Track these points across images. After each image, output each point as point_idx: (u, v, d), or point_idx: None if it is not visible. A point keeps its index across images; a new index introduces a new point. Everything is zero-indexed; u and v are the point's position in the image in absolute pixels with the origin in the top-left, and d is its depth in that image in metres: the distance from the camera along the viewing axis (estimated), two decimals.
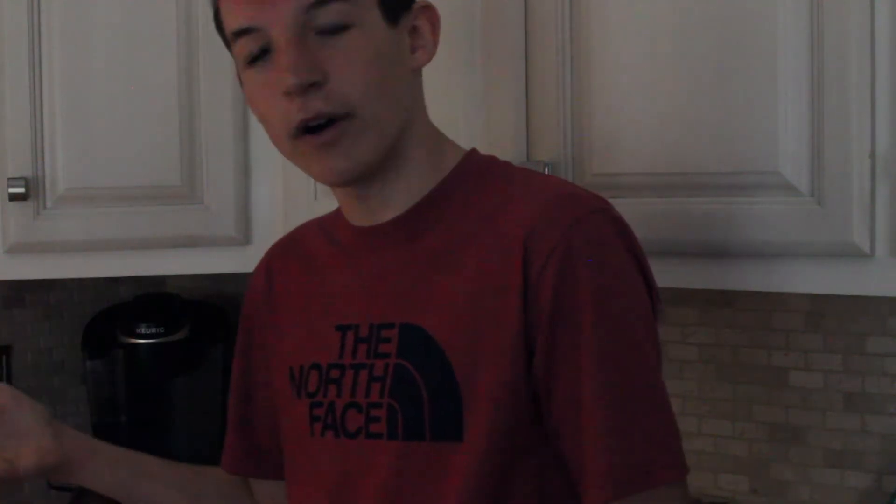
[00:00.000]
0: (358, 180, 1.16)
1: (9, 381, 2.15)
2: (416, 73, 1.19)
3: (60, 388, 2.24)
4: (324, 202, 1.48)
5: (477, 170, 1.20)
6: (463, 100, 1.57)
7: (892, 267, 1.29)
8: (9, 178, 1.74)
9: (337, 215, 1.27)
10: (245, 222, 1.81)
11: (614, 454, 1.07)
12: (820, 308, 1.70)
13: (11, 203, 1.75)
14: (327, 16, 1.10)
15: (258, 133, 1.41)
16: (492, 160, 1.23)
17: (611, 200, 1.46)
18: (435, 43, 1.18)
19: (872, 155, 1.29)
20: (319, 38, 1.11)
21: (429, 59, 1.18)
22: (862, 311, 1.66)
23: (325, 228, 1.28)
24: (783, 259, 1.36)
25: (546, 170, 1.48)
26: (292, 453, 1.26)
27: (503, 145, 1.53)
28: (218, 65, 1.65)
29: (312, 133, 1.12)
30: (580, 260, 1.08)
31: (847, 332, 1.68)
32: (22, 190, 1.74)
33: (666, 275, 1.45)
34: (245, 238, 1.79)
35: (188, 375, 2.16)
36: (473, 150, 1.23)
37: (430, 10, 1.18)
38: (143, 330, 2.10)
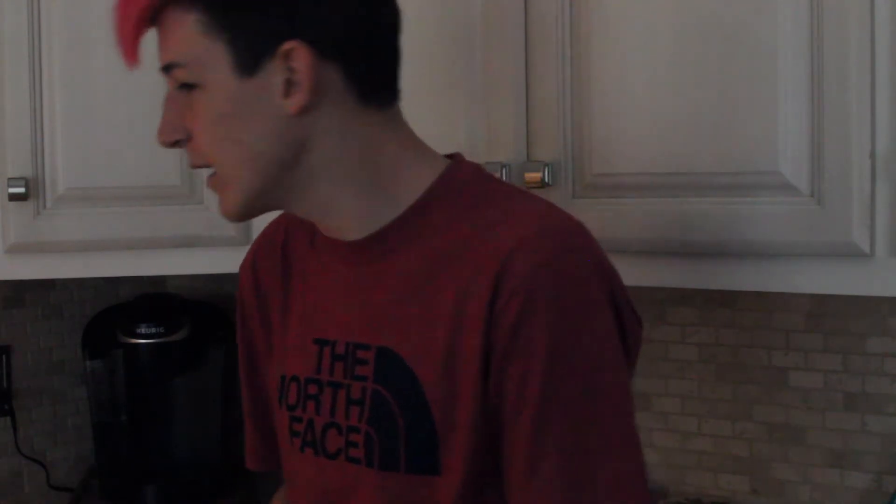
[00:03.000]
0: (253, 216, 1.16)
1: (9, 381, 2.15)
2: (307, 113, 1.09)
3: (60, 388, 2.24)
4: None
5: (457, 187, 1.13)
6: (463, 100, 1.57)
7: (892, 267, 1.29)
8: (9, 178, 1.74)
9: None
10: (245, 222, 1.80)
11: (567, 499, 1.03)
12: (820, 308, 1.70)
13: (11, 203, 1.74)
14: (177, 76, 1.11)
15: None
16: (474, 175, 1.16)
17: (611, 200, 1.47)
18: (309, 83, 1.07)
19: (872, 155, 1.29)
20: (186, 94, 1.11)
21: (306, 100, 1.07)
22: (862, 311, 1.66)
23: (311, 229, 1.22)
24: (783, 259, 1.36)
25: (546, 170, 1.49)
26: (284, 457, 1.25)
27: (503, 145, 1.53)
28: None
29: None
30: (542, 302, 1.03)
31: (847, 332, 1.68)
32: (22, 190, 1.74)
33: (666, 275, 1.45)
34: (245, 238, 1.78)
35: (188, 375, 2.16)
36: (455, 163, 1.16)
37: (300, 50, 1.07)
38: (143, 330, 2.10)
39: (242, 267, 1.33)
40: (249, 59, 1.08)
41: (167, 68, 1.11)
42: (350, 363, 1.13)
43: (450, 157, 1.18)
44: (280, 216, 1.30)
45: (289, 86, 1.08)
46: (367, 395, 1.11)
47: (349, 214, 1.14)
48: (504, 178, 1.51)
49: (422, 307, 1.09)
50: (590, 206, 1.48)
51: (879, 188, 1.29)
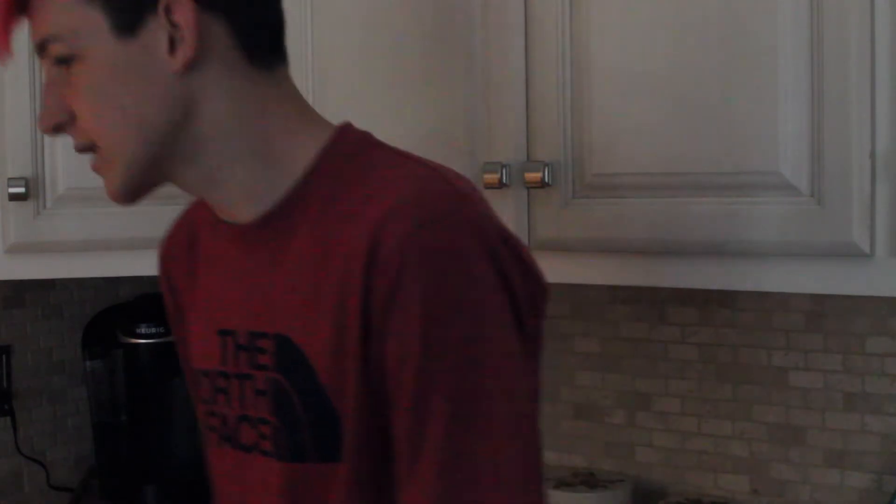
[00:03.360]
0: (140, 198, 1.11)
1: (9, 380, 2.15)
2: (194, 72, 1.05)
3: (60, 388, 2.24)
4: None
5: (342, 157, 1.08)
6: (463, 100, 1.57)
7: (892, 267, 1.29)
8: (9, 178, 1.74)
9: None
10: None
11: (434, 487, 0.97)
12: (820, 308, 1.70)
13: (11, 203, 1.74)
14: (53, 51, 1.06)
15: None
16: (360, 143, 1.10)
17: (611, 200, 1.47)
18: (193, 36, 1.03)
19: (872, 155, 1.29)
20: (65, 71, 1.06)
21: (191, 54, 1.03)
22: (862, 311, 1.66)
23: (213, 213, 1.16)
24: (783, 259, 1.36)
25: (546, 170, 1.48)
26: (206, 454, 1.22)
27: (503, 145, 1.53)
28: None
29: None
30: (412, 275, 0.97)
31: (847, 332, 1.68)
32: (22, 190, 1.74)
33: (666, 275, 1.45)
34: None
35: None
36: (340, 132, 1.10)
37: (181, 3, 1.03)
38: (143, 330, 2.10)
39: (158, 258, 1.29)
40: (128, 19, 1.03)
41: (42, 47, 1.06)
42: (252, 353, 1.09)
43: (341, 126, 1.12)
44: (188, 205, 1.26)
45: (172, 43, 1.03)
46: (270, 385, 1.07)
47: (237, 188, 1.09)
48: (504, 179, 1.50)
49: (311, 289, 1.04)
50: (590, 206, 1.48)
51: (879, 188, 1.29)
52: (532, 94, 1.51)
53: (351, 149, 1.09)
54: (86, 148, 1.09)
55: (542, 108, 1.51)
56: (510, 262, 1.01)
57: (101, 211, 1.78)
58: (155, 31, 1.04)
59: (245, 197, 1.09)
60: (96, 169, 1.10)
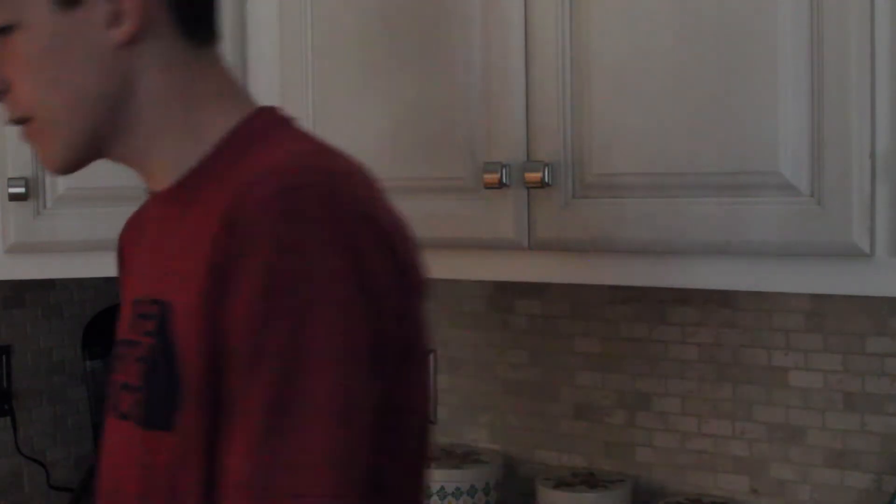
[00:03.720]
0: (77, 170, 1.11)
1: (9, 380, 2.15)
2: (134, 46, 1.06)
3: (60, 388, 2.24)
4: None
5: (247, 134, 1.08)
6: (463, 99, 1.57)
7: (891, 267, 1.29)
8: (9, 178, 1.74)
9: None
10: None
11: (246, 464, 0.94)
12: (820, 308, 1.70)
13: (11, 203, 1.74)
14: None
15: None
16: (271, 124, 1.11)
17: (611, 200, 1.47)
18: (137, 11, 1.05)
19: (872, 155, 1.29)
20: (2, 41, 1.06)
21: (135, 29, 1.05)
22: (862, 311, 1.66)
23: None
24: (783, 259, 1.36)
25: (546, 170, 1.48)
26: None
27: (503, 145, 1.53)
28: None
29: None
30: (255, 246, 0.95)
31: (847, 332, 1.68)
32: (22, 190, 1.74)
33: (666, 275, 1.45)
34: None
35: None
36: (257, 113, 1.11)
37: None
38: None
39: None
40: None
41: None
42: (143, 320, 1.08)
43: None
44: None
45: (115, 16, 1.05)
46: (147, 351, 1.05)
47: (163, 158, 1.10)
48: (504, 179, 1.50)
49: (191, 258, 1.02)
50: (590, 206, 1.48)
51: (879, 188, 1.29)
52: (532, 94, 1.51)
53: (260, 126, 1.10)
54: (20, 120, 1.09)
55: (542, 108, 1.51)
56: (371, 247, 0.98)
57: (101, 211, 1.78)
58: (96, 4, 1.05)
59: (167, 167, 1.10)
60: (30, 137, 1.10)
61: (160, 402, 1.03)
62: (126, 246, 1.27)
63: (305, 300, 0.95)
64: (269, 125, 1.10)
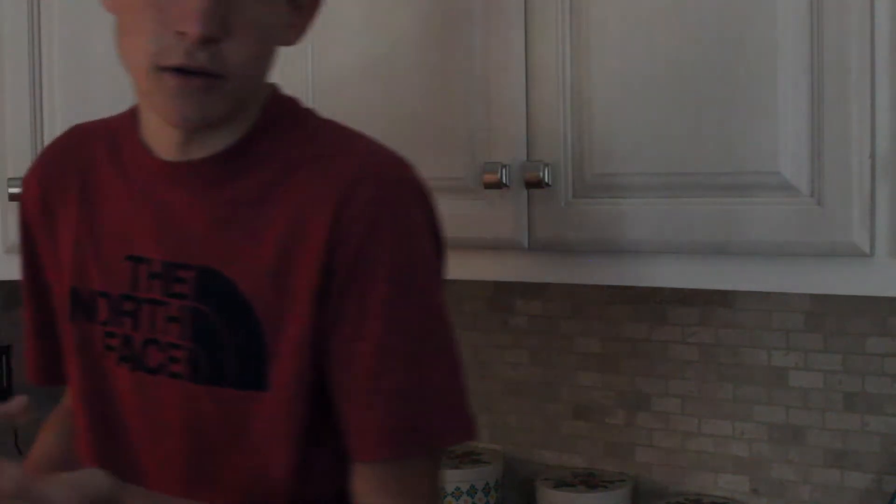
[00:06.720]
0: (198, 129, 1.14)
1: (9, 380, 2.15)
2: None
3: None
4: None
5: (283, 115, 1.19)
6: (463, 99, 1.57)
7: (892, 267, 1.29)
8: (9, 179, 1.74)
9: (131, 135, 1.23)
10: None
11: (393, 414, 1.09)
12: (820, 308, 1.70)
13: (11, 203, 1.74)
14: None
15: None
16: (294, 105, 1.21)
17: (611, 200, 1.47)
18: (306, 27, 1.19)
19: (872, 155, 1.29)
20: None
21: (297, 42, 1.19)
22: (862, 311, 1.66)
23: (112, 144, 1.25)
24: (783, 259, 1.36)
25: (546, 170, 1.48)
26: (77, 369, 1.26)
27: (503, 145, 1.53)
28: None
29: (182, 73, 1.07)
30: (384, 228, 1.09)
31: (847, 332, 1.68)
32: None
33: (666, 275, 1.45)
34: None
35: None
36: (276, 94, 1.20)
37: None
38: None
39: (26, 179, 1.31)
40: None
41: None
42: (168, 282, 1.16)
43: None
44: (73, 128, 1.31)
45: (294, 20, 1.17)
46: (188, 312, 1.14)
47: (232, 124, 1.16)
48: (504, 179, 1.51)
49: (247, 230, 1.13)
50: (590, 206, 1.48)
51: (879, 188, 1.29)
52: (532, 94, 1.51)
53: (287, 107, 1.20)
54: (212, 73, 1.08)
55: (542, 107, 1.51)
56: (438, 222, 1.16)
57: None
58: (292, 5, 1.17)
59: (219, 137, 1.16)
60: (197, 89, 1.08)
61: (220, 361, 1.13)
62: (57, 193, 1.27)
63: (426, 280, 1.13)
64: (294, 108, 1.20)
